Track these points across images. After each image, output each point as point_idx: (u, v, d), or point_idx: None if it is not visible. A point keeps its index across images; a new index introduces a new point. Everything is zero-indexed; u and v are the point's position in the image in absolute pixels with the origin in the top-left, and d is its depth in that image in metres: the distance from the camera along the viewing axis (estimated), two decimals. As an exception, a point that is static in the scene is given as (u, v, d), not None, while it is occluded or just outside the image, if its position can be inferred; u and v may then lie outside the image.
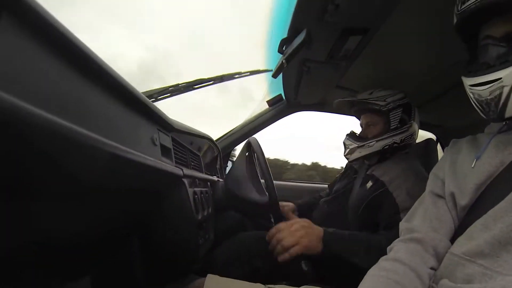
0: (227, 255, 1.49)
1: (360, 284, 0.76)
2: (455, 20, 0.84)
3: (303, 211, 2.00)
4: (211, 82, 1.74)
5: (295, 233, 1.21)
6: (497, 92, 0.72)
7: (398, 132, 1.55)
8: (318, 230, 1.25)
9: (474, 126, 1.06)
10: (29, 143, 0.40)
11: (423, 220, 0.88)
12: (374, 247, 1.19)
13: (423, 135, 2.55)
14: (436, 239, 0.82)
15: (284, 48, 1.46)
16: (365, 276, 0.79)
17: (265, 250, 1.44)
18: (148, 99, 0.82)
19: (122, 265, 1.12)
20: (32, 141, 0.40)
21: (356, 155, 1.63)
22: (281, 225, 1.26)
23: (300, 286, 1.02)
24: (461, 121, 2.18)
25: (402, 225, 0.93)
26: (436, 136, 2.53)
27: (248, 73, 1.91)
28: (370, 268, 0.98)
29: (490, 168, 0.77)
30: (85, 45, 0.51)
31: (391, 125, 1.56)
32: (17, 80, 0.38)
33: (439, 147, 2.49)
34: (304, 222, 1.28)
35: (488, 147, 0.81)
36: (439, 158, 1.38)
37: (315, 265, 1.46)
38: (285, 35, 1.38)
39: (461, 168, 0.86)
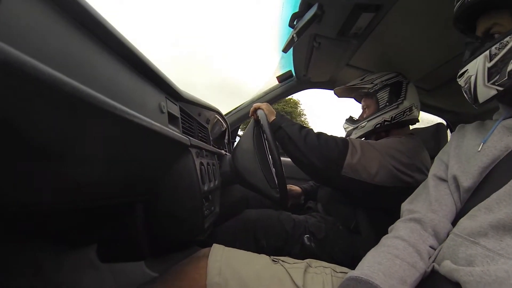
0: (232, 231, 1.53)
1: (361, 260, 0.80)
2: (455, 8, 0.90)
3: (310, 197, 2.04)
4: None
5: (263, 105, 1.60)
6: (468, 81, 0.86)
7: (387, 110, 1.59)
8: (274, 110, 1.62)
9: (485, 112, 1.07)
10: (34, 97, 0.41)
11: (423, 202, 0.91)
12: (306, 129, 1.50)
13: (435, 120, 2.54)
14: (435, 219, 0.85)
15: (295, 23, 1.45)
16: (366, 254, 0.82)
17: (271, 229, 1.50)
18: (156, 66, 0.82)
19: (127, 233, 1.14)
20: (36, 96, 0.41)
21: (353, 137, 1.70)
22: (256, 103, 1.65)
23: (301, 245, 1.10)
24: (472, 108, 2.13)
25: (404, 206, 0.98)
26: (447, 121, 2.52)
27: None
28: (298, 141, 1.40)
29: (495, 152, 0.80)
30: (94, 9, 0.52)
31: (380, 104, 1.62)
32: (25, 38, 0.39)
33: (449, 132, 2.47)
34: (269, 104, 1.64)
35: (494, 132, 0.84)
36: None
37: (317, 241, 1.49)
38: (296, 10, 1.37)
39: (466, 152, 0.88)
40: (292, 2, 1.38)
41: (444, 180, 0.92)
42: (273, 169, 1.51)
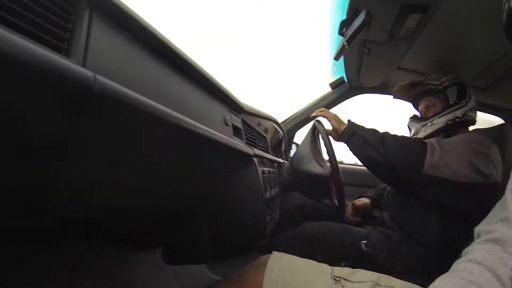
0: (289, 243, 1.52)
1: (430, 285, 0.69)
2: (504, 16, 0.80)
3: (375, 204, 1.94)
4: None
5: (329, 112, 1.63)
6: None
7: (458, 107, 1.54)
8: (343, 120, 1.61)
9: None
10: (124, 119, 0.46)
11: (502, 220, 0.76)
12: (381, 132, 1.47)
13: (490, 119, 2.43)
14: None
15: (344, 30, 1.46)
16: (435, 280, 0.71)
17: (328, 245, 1.49)
18: (219, 82, 0.86)
19: (191, 237, 1.19)
20: (128, 118, 0.46)
21: (421, 134, 1.63)
22: (322, 109, 1.67)
23: (358, 265, 1.02)
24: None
25: (478, 228, 0.81)
26: (505, 120, 2.39)
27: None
28: (376, 143, 1.35)
29: None
30: (163, 35, 0.57)
31: (450, 101, 1.57)
32: (113, 68, 0.45)
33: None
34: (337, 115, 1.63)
35: None
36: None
37: (374, 248, 1.47)
38: (344, 17, 1.38)
39: None
40: (340, 9, 1.39)
41: None
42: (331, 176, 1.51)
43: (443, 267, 0.76)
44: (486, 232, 0.75)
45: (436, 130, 1.57)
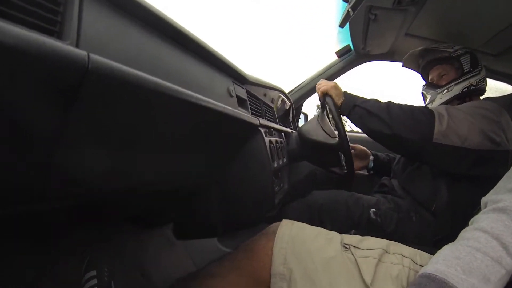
0: (298, 214, 1.52)
1: (436, 254, 0.71)
2: None
3: (380, 164, 1.96)
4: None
5: (328, 84, 1.59)
6: None
7: (472, 74, 1.54)
8: (342, 90, 1.59)
9: None
10: (121, 96, 0.47)
11: (510, 190, 0.76)
12: (385, 102, 1.45)
13: (501, 87, 2.38)
14: None
15: (349, -4, 1.43)
16: (442, 247, 0.72)
17: (337, 214, 1.50)
18: (221, 53, 0.86)
19: (201, 212, 1.21)
20: (125, 95, 0.47)
21: (438, 102, 1.61)
22: (321, 81, 1.65)
23: (367, 233, 1.03)
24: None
25: (485, 198, 0.82)
26: (518, 90, 2.34)
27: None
28: (381, 113, 1.34)
29: None
30: (160, 10, 0.57)
31: (464, 69, 1.55)
32: (108, 46, 0.45)
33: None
34: (336, 83, 1.61)
35: None
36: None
37: (383, 216, 1.48)
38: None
39: None
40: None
41: None
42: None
43: (452, 236, 0.76)
44: (493, 202, 0.76)
45: (453, 97, 1.55)
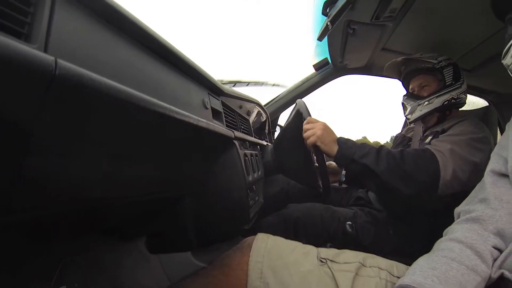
0: (272, 228, 1.50)
1: (412, 265, 0.73)
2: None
3: (352, 175, 1.94)
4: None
5: (316, 130, 1.39)
6: None
7: (454, 87, 1.55)
8: (335, 135, 1.41)
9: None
10: (93, 107, 0.45)
11: (481, 201, 0.79)
12: (384, 151, 1.33)
13: (476, 102, 2.46)
14: (496, 216, 0.74)
15: (328, 10, 1.44)
16: (418, 259, 0.74)
17: (312, 228, 1.49)
18: (198, 64, 0.85)
19: (175, 225, 1.18)
20: (96, 105, 0.45)
21: (418, 113, 1.61)
22: (307, 125, 1.43)
23: (343, 247, 1.03)
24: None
25: (458, 209, 0.86)
26: (490, 102, 2.42)
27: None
28: (379, 170, 1.24)
29: None
30: (136, 17, 0.56)
31: (447, 81, 1.56)
32: (79, 51, 0.43)
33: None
34: (326, 125, 1.42)
35: None
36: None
37: (359, 229, 1.48)
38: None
39: None
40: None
41: (504, 175, 0.79)
42: (315, 157, 1.51)
43: (429, 247, 0.78)
44: (465, 212, 0.80)
45: (433, 109, 1.57)
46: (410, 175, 1.27)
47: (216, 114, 0.99)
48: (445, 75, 1.56)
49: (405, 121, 1.78)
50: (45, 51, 0.37)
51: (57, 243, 1.00)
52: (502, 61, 0.82)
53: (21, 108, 0.37)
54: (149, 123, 0.60)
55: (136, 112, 0.52)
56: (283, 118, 2.58)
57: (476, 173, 1.27)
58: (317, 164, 1.50)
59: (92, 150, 0.54)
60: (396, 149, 1.36)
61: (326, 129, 1.40)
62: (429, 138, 1.52)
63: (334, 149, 1.37)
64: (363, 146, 1.37)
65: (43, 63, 0.34)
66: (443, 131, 1.47)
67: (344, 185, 2.00)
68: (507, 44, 0.80)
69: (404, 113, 1.71)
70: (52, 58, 0.35)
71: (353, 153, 1.34)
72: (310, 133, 1.40)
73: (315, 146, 1.39)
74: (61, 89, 0.37)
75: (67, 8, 0.42)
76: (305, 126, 1.43)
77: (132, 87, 0.49)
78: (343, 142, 1.38)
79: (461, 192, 1.25)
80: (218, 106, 1.03)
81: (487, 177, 0.82)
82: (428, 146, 1.36)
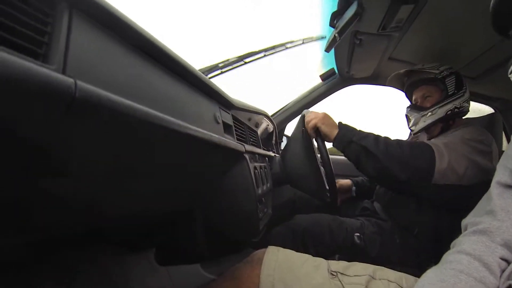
0: (281, 238, 1.52)
1: (421, 277, 0.73)
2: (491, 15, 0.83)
3: (361, 189, 1.97)
4: (262, 55, 1.76)
5: (317, 115, 1.45)
6: None
7: (456, 97, 1.55)
8: (335, 121, 1.46)
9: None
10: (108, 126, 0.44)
11: (488, 213, 0.79)
12: (382, 137, 1.38)
13: (482, 109, 2.45)
14: (503, 227, 0.73)
15: (335, 22, 1.45)
16: (426, 271, 0.74)
17: (320, 238, 1.49)
18: (208, 79, 0.84)
19: (184, 237, 1.18)
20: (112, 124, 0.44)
21: (421, 124, 1.61)
22: (309, 114, 1.49)
23: (351, 257, 1.03)
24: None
25: (464, 221, 0.85)
26: (495, 109, 2.41)
27: (301, 42, 1.92)
28: (376, 151, 1.27)
29: None
30: (147, 32, 0.55)
31: (449, 91, 1.56)
32: (95, 71, 0.43)
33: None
34: (326, 113, 1.47)
35: None
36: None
37: (367, 240, 1.47)
38: (335, 8, 1.37)
39: None
40: (331, 0, 1.38)
41: (510, 186, 0.78)
42: (322, 169, 1.50)
43: (436, 258, 0.79)
44: (473, 224, 0.79)
45: (436, 119, 1.57)
46: (406, 161, 1.30)
47: (227, 128, 0.99)
48: (447, 84, 1.56)
49: (410, 132, 1.77)
50: (64, 72, 0.36)
51: (66, 255, 1.00)
52: (510, 75, 0.82)
53: (40, 130, 0.36)
54: (163, 139, 0.59)
55: (151, 130, 0.52)
56: (290, 128, 2.57)
57: (473, 171, 1.30)
58: (323, 168, 1.49)
59: (108, 169, 0.53)
60: (393, 139, 1.40)
61: (327, 115, 1.46)
62: None
63: (334, 131, 1.42)
64: (361, 131, 1.42)
65: (63, 85, 0.33)
66: None
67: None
68: None
69: (408, 125, 1.72)
70: (72, 80, 0.34)
71: (352, 135, 1.39)
72: (311, 117, 1.45)
73: (316, 130, 1.44)
74: (81, 110, 0.36)
75: (84, 27, 0.41)
76: (307, 116, 1.48)
77: (146, 103, 0.49)
78: (343, 126, 1.44)
79: (457, 186, 1.28)
80: (229, 120, 1.03)
81: (494, 188, 0.82)
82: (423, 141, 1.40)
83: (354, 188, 1.96)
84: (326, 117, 1.44)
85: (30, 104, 0.32)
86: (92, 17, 0.43)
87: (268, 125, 1.90)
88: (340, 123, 1.46)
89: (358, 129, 1.44)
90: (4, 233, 0.48)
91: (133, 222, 1.03)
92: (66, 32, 0.37)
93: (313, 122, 1.43)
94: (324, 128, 1.42)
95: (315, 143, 1.49)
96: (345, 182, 1.96)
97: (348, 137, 1.39)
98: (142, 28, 0.53)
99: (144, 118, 0.47)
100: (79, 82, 0.35)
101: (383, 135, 1.41)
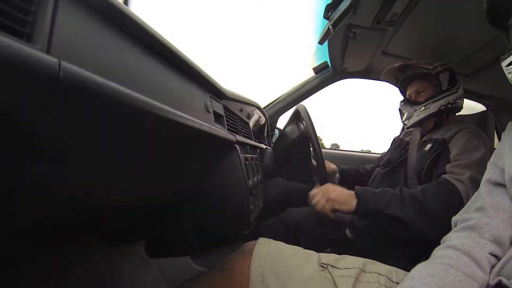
0: (273, 231, 1.52)
1: (410, 271, 0.74)
2: (484, 7, 0.83)
3: (345, 178, 1.95)
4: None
5: (326, 195, 1.33)
6: None
7: (450, 92, 1.56)
8: (345, 189, 1.36)
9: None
10: (96, 110, 0.43)
11: (478, 209, 0.81)
12: (407, 196, 1.26)
13: (474, 106, 2.46)
14: (492, 223, 0.75)
15: (329, 14, 1.44)
16: (416, 266, 0.75)
17: (312, 231, 1.49)
18: (200, 67, 0.83)
19: (175, 229, 1.17)
20: (98, 108, 0.43)
21: (414, 119, 1.62)
22: (314, 191, 1.39)
23: (343, 251, 1.03)
24: (516, 91, 2.06)
25: (455, 219, 0.87)
26: (487, 107, 2.43)
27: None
28: (407, 218, 1.18)
29: None
30: (139, 17, 0.54)
31: (442, 86, 1.57)
32: (82, 53, 0.42)
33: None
34: (330, 185, 1.39)
35: None
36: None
37: (359, 234, 1.48)
38: (330, 0, 1.36)
39: None
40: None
41: (500, 184, 0.81)
42: (314, 162, 1.50)
43: (426, 253, 0.80)
44: (463, 221, 0.81)
45: (429, 114, 1.57)
46: (435, 215, 1.21)
47: (218, 118, 0.98)
48: (441, 80, 1.57)
49: (403, 126, 1.79)
50: (48, 52, 0.35)
51: (54, 248, 0.99)
52: (506, 68, 0.82)
53: (22, 112, 0.35)
54: (151, 126, 0.58)
55: (139, 116, 0.51)
56: (282, 121, 2.57)
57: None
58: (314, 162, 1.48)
59: (94, 155, 0.52)
60: (414, 189, 1.30)
61: (334, 188, 1.36)
62: (429, 145, 1.52)
63: (353, 203, 1.30)
64: (383, 193, 1.31)
65: (46, 64, 0.32)
66: (444, 141, 1.46)
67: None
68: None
69: (401, 119, 1.73)
70: (56, 60, 0.33)
71: (376, 203, 1.27)
72: (322, 201, 1.34)
73: (334, 211, 1.33)
74: (64, 92, 0.35)
75: (70, 8, 0.41)
76: (312, 194, 1.39)
77: (135, 89, 0.48)
78: (361, 193, 1.31)
79: None
80: (220, 109, 1.02)
81: (483, 186, 0.84)
82: (446, 176, 1.31)
83: (337, 175, 1.95)
84: (335, 192, 1.35)
85: (12, 83, 0.31)
86: (80, -2, 0.42)
87: (260, 117, 1.89)
88: (357, 191, 1.33)
89: (376, 191, 1.33)
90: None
91: (122, 213, 1.02)
92: (52, 12, 0.37)
93: (328, 206, 1.32)
94: (343, 208, 1.31)
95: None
96: (330, 167, 1.93)
97: (371, 208, 1.28)
98: (132, 12, 0.52)
99: (130, 103, 0.45)
100: (64, 63, 0.34)
101: (404, 191, 1.29)
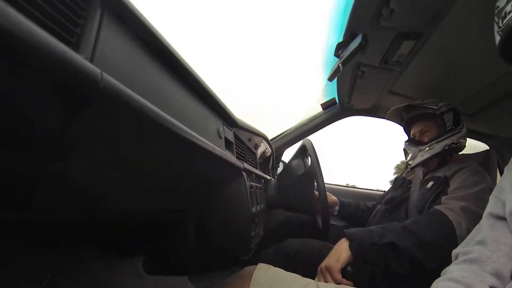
0: (272, 260, 1.48)
1: None
2: (497, 39, 0.82)
3: (345, 212, 1.99)
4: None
5: (321, 269, 1.26)
6: None
7: (453, 132, 1.58)
8: (336, 247, 1.30)
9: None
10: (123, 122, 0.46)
11: (479, 243, 0.80)
12: (398, 227, 1.27)
13: (477, 145, 2.47)
14: (493, 257, 0.75)
15: (340, 52, 1.48)
16: None
17: (311, 262, 1.47)
18: (217, 94, 0.87)
19: (175, 248, 1.18)
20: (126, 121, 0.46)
21: (419, 159, 1.64)
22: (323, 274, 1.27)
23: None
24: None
25: (455, 251, 0.86)
26: (491, 147, 2.43)
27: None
28: (403, 244, 1.16)
29: None
30: (167, 42, 0.58)
31: (447, 126, 1.59)
32: (119, 68, 0.46)
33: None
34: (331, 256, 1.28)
35: None
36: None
37: (355, 268, 1.47)
38: (341, 39, 1.41)
39: None
40: (337, 32, 1.42)
41: (501, 218, 0.81)
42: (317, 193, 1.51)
43: (426, 285, 0.79)
44: (463, 253, 0.81)
45: (433, 155, 1.59)
46: (430, 244, 1.21)
47: (228, 144, 1.02)
48: (445, 120, 1.60)
49: (406, 164, 1.80)
50: (91, 62, 0.38)
51: (55, 256, 0.99)
52: None
53: (61, 111, 0.38)
54: (169, 143, 0.61)
55: (160, 132, 0.53)
56: (288, 155, 2.59)
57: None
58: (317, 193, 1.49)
59: (114, 162, 0.55)
60: (405, 221, 1.31)
61: (332, 252, 1.30)
62: (431, 183, 1.55)
63: (345, 245, 1.27)
64: (373, 228, 1.31)
65: (91, 73, 0.35)
66: (446, 179, 1.49)
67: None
68: None
69: (406, 159, 1.74)
70: (99, 70, 0.36)
71: (370, 237, 1.25)
72: (324, 277, 1.26)
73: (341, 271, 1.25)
74: (101, 101, 0.38)
75: (113, 26, 0.45)
76: (323, 272, 1.28)
77: (160, 109, 0.50)
78: (349, 233, 1.30)
79: None
80: (230, 136, 1.06)
81: (485, 220, 0.84)
82: (438, 207, 1.34)
83: (337, 208, 1.98)
84: (326, 259, 1.29)
85: (57, 83, 0.34)
86: (121, 20, 0.46)
87: (266, 148, 1.91)
88: (344, 232, 1.32)
89: (365, 229, 1.33)
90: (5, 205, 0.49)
91: (127, 221, 1.03)
92: (97, 27, 0.40)
93: (332, 274, 1.23)
94: (339, 259, 1.25)
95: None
96: (331, 198, 1.98)
97: (365, 241, 1.25)
98: (164, 38, 0.56)
99: (156, 120, 0.49)
100: (105, 74, 0.37)
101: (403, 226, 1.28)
